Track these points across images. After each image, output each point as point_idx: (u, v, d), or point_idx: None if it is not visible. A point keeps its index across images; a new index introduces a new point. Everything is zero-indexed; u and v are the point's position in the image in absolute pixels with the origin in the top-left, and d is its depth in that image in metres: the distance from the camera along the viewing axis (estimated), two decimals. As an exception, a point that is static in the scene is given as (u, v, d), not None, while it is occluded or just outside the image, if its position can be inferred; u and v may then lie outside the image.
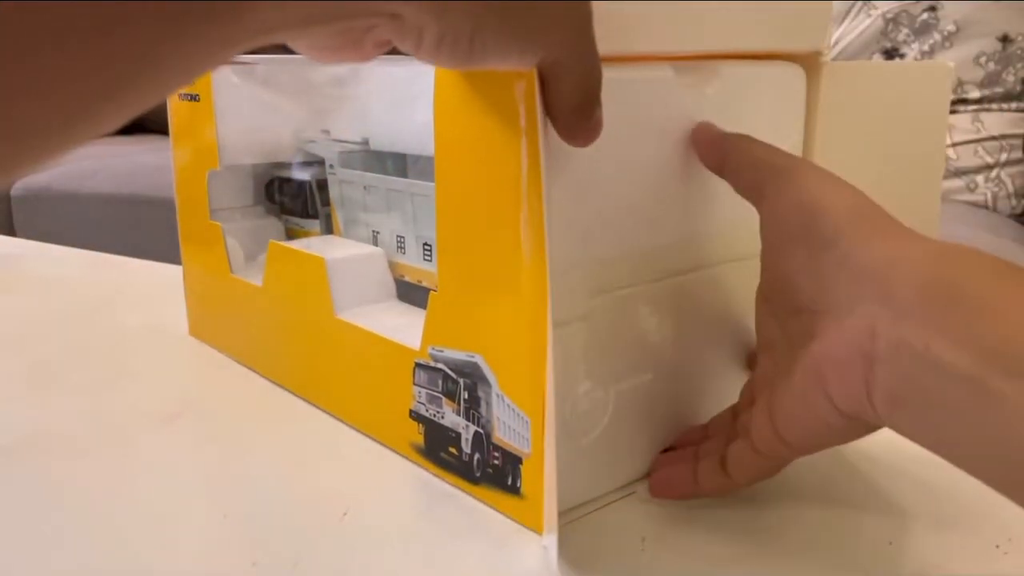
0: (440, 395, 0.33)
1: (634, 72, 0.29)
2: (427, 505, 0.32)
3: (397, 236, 0.41)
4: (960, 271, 0.24)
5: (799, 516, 0.31)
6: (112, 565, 0.29)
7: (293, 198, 0.49)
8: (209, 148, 0.45)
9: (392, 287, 0.42)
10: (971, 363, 0.22)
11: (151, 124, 1.98)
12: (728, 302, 0.34)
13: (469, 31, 0.22)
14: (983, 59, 1.22)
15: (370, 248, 0.42)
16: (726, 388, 0.33)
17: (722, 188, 0.31)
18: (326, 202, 0.47)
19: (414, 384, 0.34)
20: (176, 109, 0.48)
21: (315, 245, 0.42)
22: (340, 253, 0.40)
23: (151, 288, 0.62)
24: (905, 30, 1.28)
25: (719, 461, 0.30)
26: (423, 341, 0.33)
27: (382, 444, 0.37)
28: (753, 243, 0.30)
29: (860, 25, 1.29)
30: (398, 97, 0.39)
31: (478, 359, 0.31)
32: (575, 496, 0.31)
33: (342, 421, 0.39)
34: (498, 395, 0.30)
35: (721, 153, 0.30)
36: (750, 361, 0.35)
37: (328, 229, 0.47)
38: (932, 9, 1.25)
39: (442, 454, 0.33)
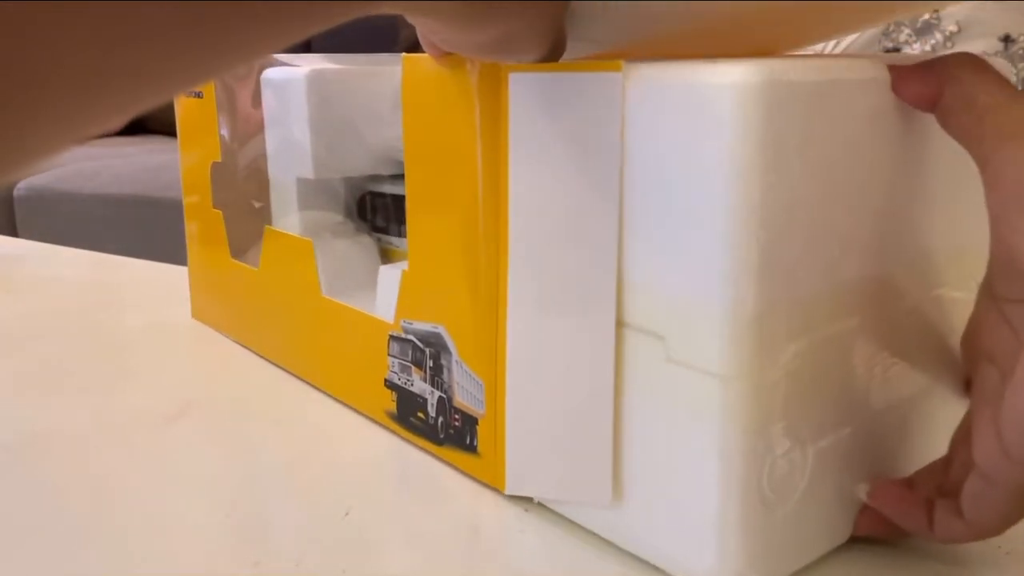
0: (410, 364, 0.36)
1: (843, 71, 0.25)
2: (431, 503, 0.33)
3: None
4: None
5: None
6: (114, 564, 0.30)
7: (389, 215, 0.46)
8: (212, 140, 0.49)
9: None
10: None
11: (152, 125, 2.01)
12: (941, 334, 0.30)
13: None
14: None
15: None
16: (932, 437, 0.29)
17: (943, 202, 0.29)
18: None
19: (388, 355, 0.37)
20: (183, 105, 0.51)
21: None
22: None
23: (153, 289, 0.63)
24: (907, 30, 1.29)
25: (955, 506, 0.26)
26: (396, 315, 0.36)
27: (393, 434, 0.40)
28: (975, 265, 0.27)
29: (861, 25, 1.30)
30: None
31: (440, 329, 0.34)
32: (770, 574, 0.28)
33: (343, 402, 0.42)
34: (457, 362, 0.33)
35: (934, 89, 0.25)
36: (966, 388, 0.29)
37: None
38: (934, 9, 1.27)
39: (411, 419, 0.37)
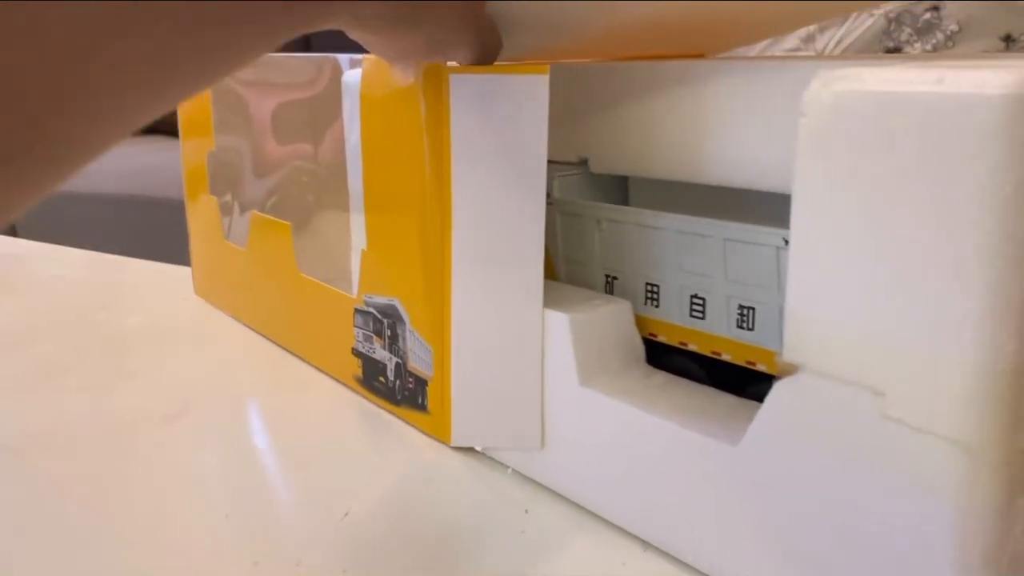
0: (372, 334, 0.40)
1: None
2: (432, 504, 0.34)
3: (693, 298, 0.32)
4: None
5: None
6: (114, 564, 0.30)
7: None
8: (207, 130, 0.53)
9: (640, 350, 0.34)
10: None
11: (153, 123, 2.06)
12: None
13: None
14: (981, 58, 1.25)
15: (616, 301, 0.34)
16: None
17: None
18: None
19: (354, 326, 0.42)
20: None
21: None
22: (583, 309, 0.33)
23: (153, 289, 0.63)
24: (908, 30, 1.32)
25: None
26: (359, 290, 0.41)
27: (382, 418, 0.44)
28: None
29: (862, 25, 1.33)
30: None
31: (396, 302, 0.38)
32: None
33: (318, 368, 0.47)
34: (410, 331, 0.38)
35: None
36: None
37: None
38: (935, 8, 1.29)
39: (375, 383, 0.41)
